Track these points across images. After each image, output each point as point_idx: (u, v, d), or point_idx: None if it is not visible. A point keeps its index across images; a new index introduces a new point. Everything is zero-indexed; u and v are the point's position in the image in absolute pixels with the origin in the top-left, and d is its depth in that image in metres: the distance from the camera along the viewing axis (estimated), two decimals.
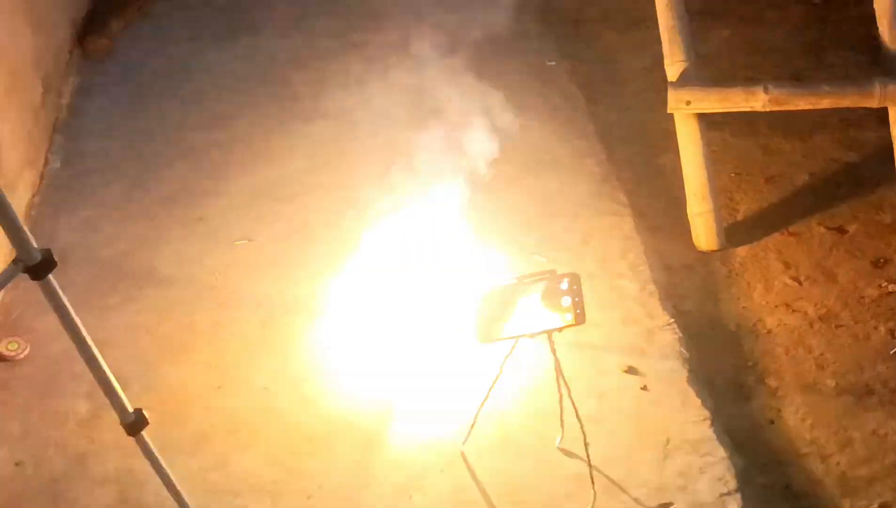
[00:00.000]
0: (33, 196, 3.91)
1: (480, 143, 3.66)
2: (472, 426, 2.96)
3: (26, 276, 3.50)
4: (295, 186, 3.99)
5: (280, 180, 4.03)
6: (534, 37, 4.89)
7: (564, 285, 2.78)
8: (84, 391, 3.20)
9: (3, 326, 3.43)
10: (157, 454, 2.15)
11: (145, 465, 2.90)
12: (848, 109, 4.18)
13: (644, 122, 4.26)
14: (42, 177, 4.04)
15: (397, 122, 4.00)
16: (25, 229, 1.88)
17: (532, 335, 2.79)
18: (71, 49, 4.72)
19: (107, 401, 3.07)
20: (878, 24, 3.64)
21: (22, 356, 3.31)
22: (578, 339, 3.28)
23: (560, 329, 2.79)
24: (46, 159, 4.14)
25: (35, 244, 1.90)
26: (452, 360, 3.21)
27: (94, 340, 3.19)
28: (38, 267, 1.89)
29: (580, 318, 2.80)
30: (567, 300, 2.78)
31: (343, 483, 2.90)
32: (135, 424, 2.08)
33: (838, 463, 2.98)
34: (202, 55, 4.79)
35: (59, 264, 3.58)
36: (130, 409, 2.08)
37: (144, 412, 2.12)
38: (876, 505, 2.85)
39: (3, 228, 1.84)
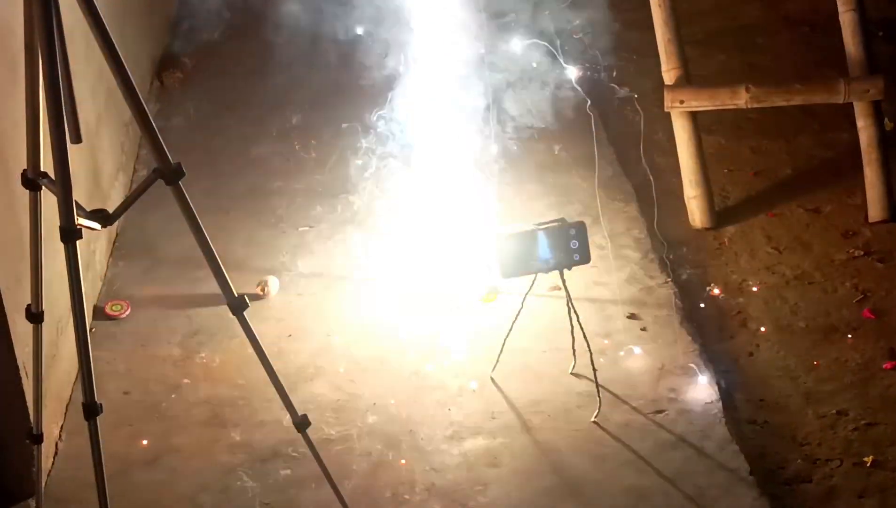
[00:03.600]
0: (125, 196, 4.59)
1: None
2: (500, 355, 3.59)
3: (125, 255, 4.19)
4: (346, 186, 4.63)
5: (330, 181, 4.69)
6: (551, 68, 5.53)
7: (573, 232, 3.42)
8: (177, 341, 3.85)
9: (108, 294, 4.09)
10: (254, 330, 2.76)
11: (230, 391, 3.59)
12: (826, 114, 4.84)
13: (650, 131, 4.88)
14: (132, 181, 4.71)
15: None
16: (163, 144, 2.52)
17: (547, 271, 3.43)
18: (152, 80, 5.45)
19: (195, 348, 3.77)
20: (843, 35, 4.28)
21: (124, 315, 3.96)
22: (589, 294, 3.93)
23: (570, 267, 3.43)
24: (135, 168, 4.82)
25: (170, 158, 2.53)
26: (479, 304, 3.87)
27: (188, 301, 3.89)
28: (172, 175, 2.52)
29: (585, 258, 3.44)
30: (575, 243, 3.42)
31: (394, 401, 3.53)
32: (238, 306, 2.70)
33: (805, 382, 3.58)
34: (261, 84, 5.48)
35: (149, 250, 4.28)
36: (235, 294, 2.71)
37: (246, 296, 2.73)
38: (834, 411, 3.45)
39: (147, 142, 2.49)
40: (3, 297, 3.03)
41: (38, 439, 2.96)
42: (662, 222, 4.39)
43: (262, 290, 4.01)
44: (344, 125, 4.77)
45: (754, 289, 4.01)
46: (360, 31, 4.92)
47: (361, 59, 4.75)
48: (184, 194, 2.57)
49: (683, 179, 4.36)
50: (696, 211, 4.36)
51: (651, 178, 4.28)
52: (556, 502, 3.15)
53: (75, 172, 3.80)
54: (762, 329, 3.81)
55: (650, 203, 4.49)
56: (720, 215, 4.40)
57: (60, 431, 3.44)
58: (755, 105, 4.29)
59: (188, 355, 3.78)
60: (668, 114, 4.35)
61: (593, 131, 4.24)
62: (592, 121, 4.18)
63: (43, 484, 3.19)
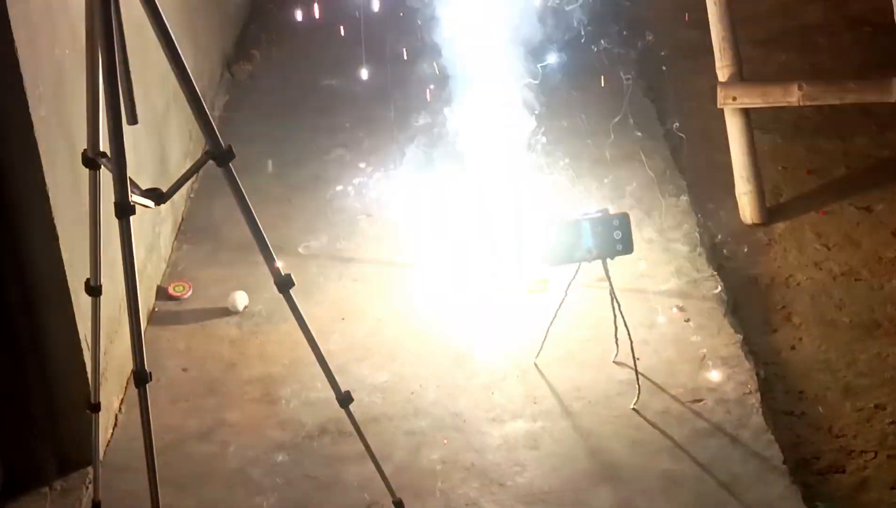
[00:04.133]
0: (193, 183, 4.74)
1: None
2: (543, 342, 3.69)
3: (189, 238, 4.33)
4: (403, 179, 4.77)
5: (389, 175, 4.82)
6: (615, 62, 5.61)
7: (616, 222, 3.50)
8: (235, 321, 3.99)
9: (172, 275, 4.25)
10: (300, 309, 2.89)
11: (282, 370, 3.72)
12: (884, 115, 4.87)
13: (705, 127, 4.94)
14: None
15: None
16: (216, 127, 2.66)
17: (590, 260, 3.52)
18: (222, 73, 5.63)
19: (251, 328, 3.91)
20: None
21: (186, 296, 4.12)
22: (636, 285, 4.01)
23: (613, 257, 3.51)
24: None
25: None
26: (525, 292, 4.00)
27: (246, 285, 4.02)
28: (224, 156, 2.65)
29: (628, 249, 3.52)
30: (619, 234, 3.50)
31: (439, 384, 3.64)
32: (284, 283, 2.83)
33: (845, 376, 3.62)
34: (326, 77, 5.63)
35: (213, 234, 4.42)
36: (282, 272, 2.84)
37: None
38: (872, 405, 3.49)
39: (200, 126, 2.62)
40: (68, 273, 3.19)
41: (96, 408, 3.11)
42: (713, 217, 4.47)
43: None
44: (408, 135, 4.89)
45: (801, 284, 4.06)
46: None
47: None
48: (234, 176, 2.70)
49: (735, 175, 4.42)
50: (747, 207, 4.42)
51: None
52: (591, 484, 3.23)
53: (142, 158, 4.01)
54: (806, 324, 3.86)
55: (704, 199, 4.57)
56: (771, 212, 4.45)
57: (120, 404, 3.61)
58: (808, 103, 4.33)
59: (244, 335, 3.92)
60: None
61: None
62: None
63: (101, 453, 3.36)
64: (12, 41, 2.84)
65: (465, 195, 4.38)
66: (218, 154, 2.65)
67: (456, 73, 4.28)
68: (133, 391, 3.58)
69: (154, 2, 2.48)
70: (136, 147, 3.90)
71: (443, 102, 4.45)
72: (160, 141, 4.31)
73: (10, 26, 2.83)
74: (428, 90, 4.78)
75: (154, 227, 4.14)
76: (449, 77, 4.34)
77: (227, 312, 4.02)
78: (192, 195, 4.72)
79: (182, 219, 4.57)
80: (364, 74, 5.37)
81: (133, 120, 2.56)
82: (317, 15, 5.59)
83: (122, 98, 2.50)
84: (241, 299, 4.03)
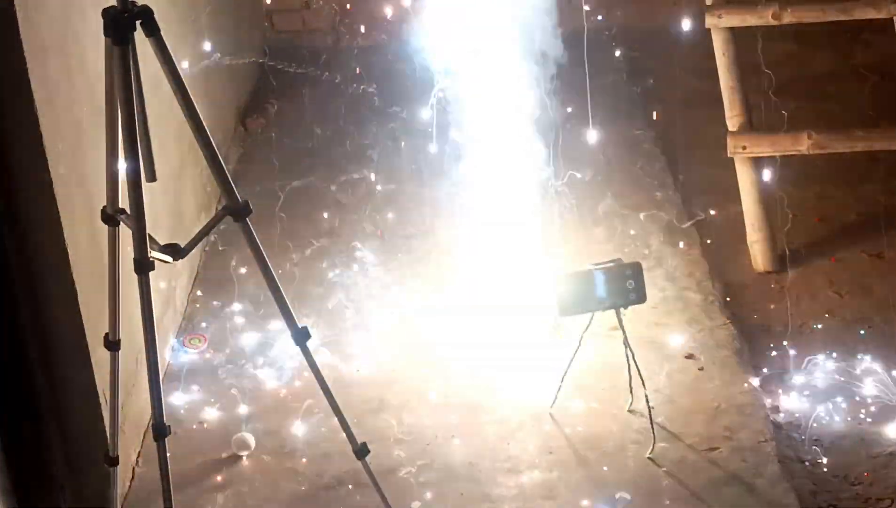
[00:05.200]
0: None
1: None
2: (558, 392, 3.70)
3: (205, 291, 4.36)
4: (416, 225, 4.82)
5: (408, 219, 4.88)
6: (625, 112, 5.66)
7: (629, 272, 3.53)
8: (252, 373, 4.01)
9: (187, 328, 4.28)
10: (316, 362, 2.92)
11: (299, 421, 3.74)
12: (892, 161, 4.90)
13: (715, 177, 4.96)
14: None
15: None
16: (232, 183, 2.69)
17: (603, 310, 3.54)
18: (236, 126, 5.69)
19: (267, 380, 3.93)
20: None
21: (202, 349, 4.15)
22: (649, 334, 4.02)
23: (626, 306, 3.54)
24: (216, 208, 5.03)
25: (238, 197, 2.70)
26: (540, 341, 4.01)
27: (262, 336, 4.04)
28: (240, 212, 2.69)
29: (641, 298, 3.54)
30: (631, 283, 3.53)
31: (454, 434, 3.65)
32: (301, 336, 2.86)
33: (860, 423, 3.63)
34: (337, 131, 5.68)
35: (228, 286, 4.45)
36: (299, 325, 2.87)
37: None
38: (888, 452, 3.50)
39: (217, 182, 2.66)
40: (86, 327, 3.23)
41: (114, 461, 3.14)
42: (725, 265, 4.49)
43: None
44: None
45: (813, 332, 4.07)
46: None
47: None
48: (251, 230, 2.74)
49: (746, 224, 4.44)
50: (758, 255, 4.44)
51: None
52: None
53: (158, 212, 4.06)
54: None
55: (715, 247, 4.60)
56: (782, 260, 4.47)
57: (138, 457, 3.62)
58: (816, 151, 4.36)
59: (258, 386, 3.94)
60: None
61: None
62: None
63: (119, 506, 3.37)
64: (32, 100, 2.90)
65: (479, 242, 4.40)
66: (235, 209, 2.69)
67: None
68: (150, 443, 3.61)
69: (173, 63, 2.52)
70: (153, 202, 3.92)
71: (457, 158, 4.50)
72: (175, 195, 4.36)
73: (30, 85, 2.88)
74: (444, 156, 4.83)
75: (170, 280, 4.17)
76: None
77: (244, 364, 4.04)
78: (206, 248, 4.75)
79: (198, 271, 4.60)
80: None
81: (152, 177, 2.60)
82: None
83: (140, 156, 2.54)
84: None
